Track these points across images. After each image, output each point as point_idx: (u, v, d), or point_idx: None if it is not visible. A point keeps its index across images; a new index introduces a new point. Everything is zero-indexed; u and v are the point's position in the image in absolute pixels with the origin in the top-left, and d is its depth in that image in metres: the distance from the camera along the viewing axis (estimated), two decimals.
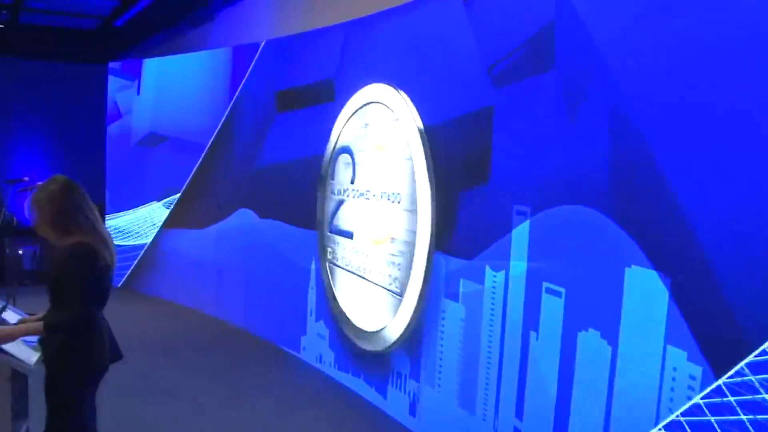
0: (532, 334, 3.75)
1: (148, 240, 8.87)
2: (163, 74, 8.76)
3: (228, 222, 7.62)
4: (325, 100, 6.02)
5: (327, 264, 6.00)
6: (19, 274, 9.35)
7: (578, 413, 3.43)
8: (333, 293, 5.88)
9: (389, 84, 5.08)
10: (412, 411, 4.87)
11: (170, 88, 8.59)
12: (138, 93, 9.01)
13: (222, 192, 7.74)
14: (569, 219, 3.51)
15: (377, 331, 5.22)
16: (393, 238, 5.00)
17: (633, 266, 3.09)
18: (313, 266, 6.17)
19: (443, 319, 4.55)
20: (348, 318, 5.64)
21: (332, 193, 5.92)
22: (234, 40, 8.29)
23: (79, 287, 3.03)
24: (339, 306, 5.77)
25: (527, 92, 3.82)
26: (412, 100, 4.84)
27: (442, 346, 4.57)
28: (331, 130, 5.91)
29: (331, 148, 5.93)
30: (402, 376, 4.98)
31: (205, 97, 7.97)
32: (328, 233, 5.96)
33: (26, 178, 7.71)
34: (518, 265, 3.87)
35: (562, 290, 3.54)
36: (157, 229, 8.74)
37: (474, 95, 4.24)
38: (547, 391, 3.63)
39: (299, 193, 6.36)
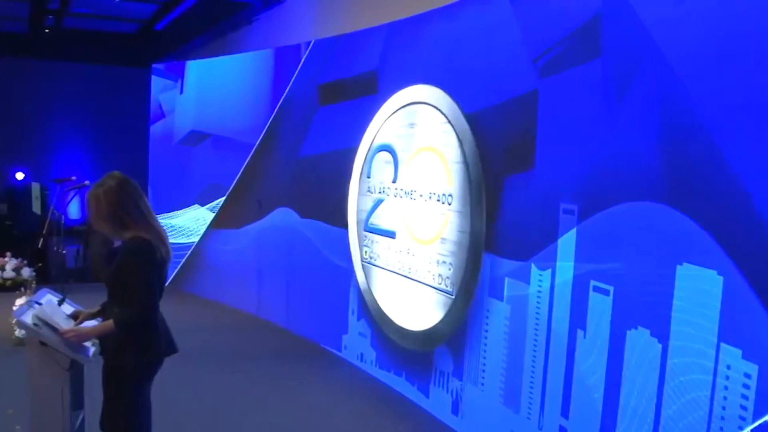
0: (579, 332, 3.75)
1: (196, 239, 8.99)
2: (206, 74, 8.87)
3: (269, 221, 7.69)
4: (367, 93, 6.06)
5: (361, 263, 6.05)
6: (63, 273, 9.53)
7: (627, 412, 3.41)
8: (370, 292, 5.93)
9: (437, 86, 5.12)
10: (455, 410, 4.88)
11: (212, 87, 8.69)
12: (181, 92, 9.11)
13: (264, 191, 7.81)
14: (616, 215, 3.50)
15: (425, 330, 5.24)
16: (443, 239, 5.03)
17: (684, 264, 3.07)
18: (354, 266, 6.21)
19: (487, 318, 4.56)
20: (388, 317, 5.67)
21: (368, 190, 5.95)
22: (274, 42, 8.38)
23: (139, 282, 3.08)
24: (377, 304, 5.81)
25: (573, 80, 3.83)
26: (457, 95, 4.87)
27: (485, 345, 4.58)
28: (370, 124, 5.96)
29: (368, 145, 5.96)
30: (445, 374, 5.00)
31: (246, 97, 8.06)
32: (364, 232, 6.00)
33: (73, 177, 7.86)
34: (565, 264, 3.86)
35: (610, 288, 3.53)
36: (204, 230, 8.85)
37: (519, 84, 4.26)
38: (595, 390, 3.62)
39: (340, 191, 6.40)
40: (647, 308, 3.29)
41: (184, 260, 9.14)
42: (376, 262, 5.84)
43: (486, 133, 4.59)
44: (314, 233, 6.86)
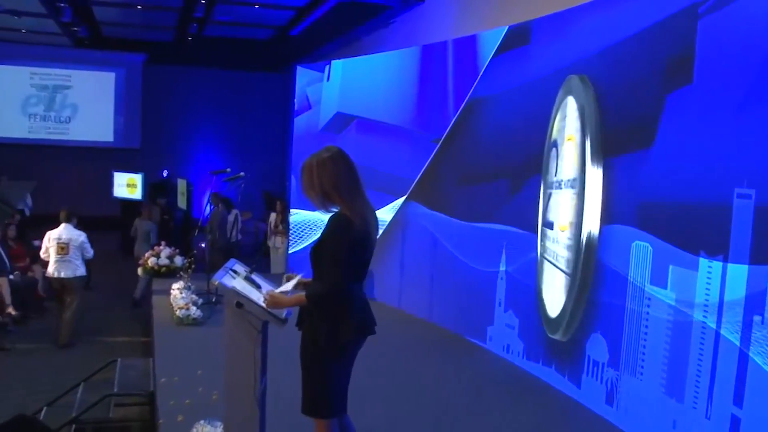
0: (756, 318, 3.65)
1: None
2: (351, 66, 8.94)
3: (408, 217, 7.81)
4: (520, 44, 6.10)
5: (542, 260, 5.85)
6: (202, 264, 10.02)
7: None
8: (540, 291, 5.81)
9: (583, 73, 5.21)
10: (609, 400, 4.83)
11: (358, 77, 8.67)
12: (327, 80, 9.18)
13: (404, 189, 7.91)
14: None
15: (560, 314, 5.31)
16: (571, 222, 5.24)
17: None
18: (503, 258, 6.23)
19: (648, 306, 4.50)
20: (543, 306, 5.70)
21: (546, 187, 5.81)
22: (413, 41, 8.55)
23: (332, 259, 3.11)
24: (535, 295, 5.84)
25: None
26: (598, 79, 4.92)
27: (646, 333, 4.52)
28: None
29: (556, 136, 5.73)
30: (599, 364, 4.96)
31: (394, 89, 8.05)
32: (544, 228, 5.85)
33: (228, 169, 8.29)
34: (739, 248, 3.77)
35: None
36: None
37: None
38: None
39: (486, 187, 6.45)
40: None
41: None
42: (547, 257, 5.75)
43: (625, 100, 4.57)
44: (459, 228, 6.92)
